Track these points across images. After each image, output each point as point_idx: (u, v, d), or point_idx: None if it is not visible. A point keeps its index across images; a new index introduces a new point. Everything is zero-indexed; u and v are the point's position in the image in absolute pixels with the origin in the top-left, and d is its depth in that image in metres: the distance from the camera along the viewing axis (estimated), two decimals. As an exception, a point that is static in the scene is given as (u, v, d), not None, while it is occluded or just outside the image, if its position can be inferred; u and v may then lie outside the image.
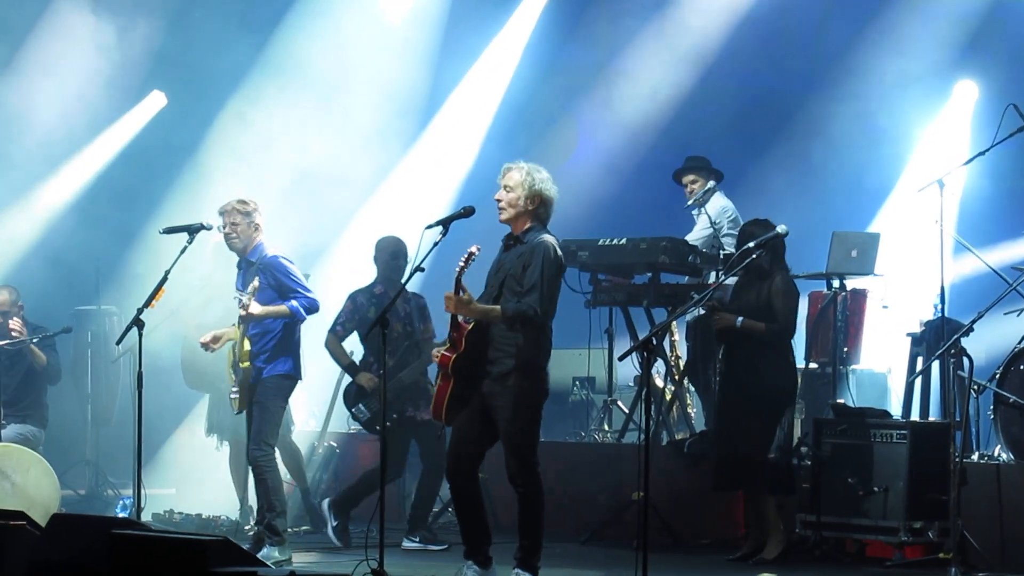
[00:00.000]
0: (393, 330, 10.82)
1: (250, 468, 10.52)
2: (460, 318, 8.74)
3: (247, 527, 12.05)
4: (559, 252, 8.75)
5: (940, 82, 15.61)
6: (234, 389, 10.38)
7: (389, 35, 15.19)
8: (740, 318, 10.33)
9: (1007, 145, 10.20)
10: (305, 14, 15.05)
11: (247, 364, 10.27)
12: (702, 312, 11.10)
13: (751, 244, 9.86)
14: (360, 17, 15.07)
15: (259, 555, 9.95)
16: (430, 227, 8.77)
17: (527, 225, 8.80)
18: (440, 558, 10.46)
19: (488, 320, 8.68)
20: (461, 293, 8.57)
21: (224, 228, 10.43)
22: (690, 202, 12.46)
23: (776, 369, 10.40)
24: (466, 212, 8.86)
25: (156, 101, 15.45)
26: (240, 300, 10.26)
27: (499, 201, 8.82)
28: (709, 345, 11.45)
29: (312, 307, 10.38)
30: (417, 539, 11.18)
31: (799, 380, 11.22)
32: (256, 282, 10.20)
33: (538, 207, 8.80)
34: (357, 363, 11.33)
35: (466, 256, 8.55)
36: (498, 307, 8.65)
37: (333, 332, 11.32)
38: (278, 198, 13.86)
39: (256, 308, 10.17)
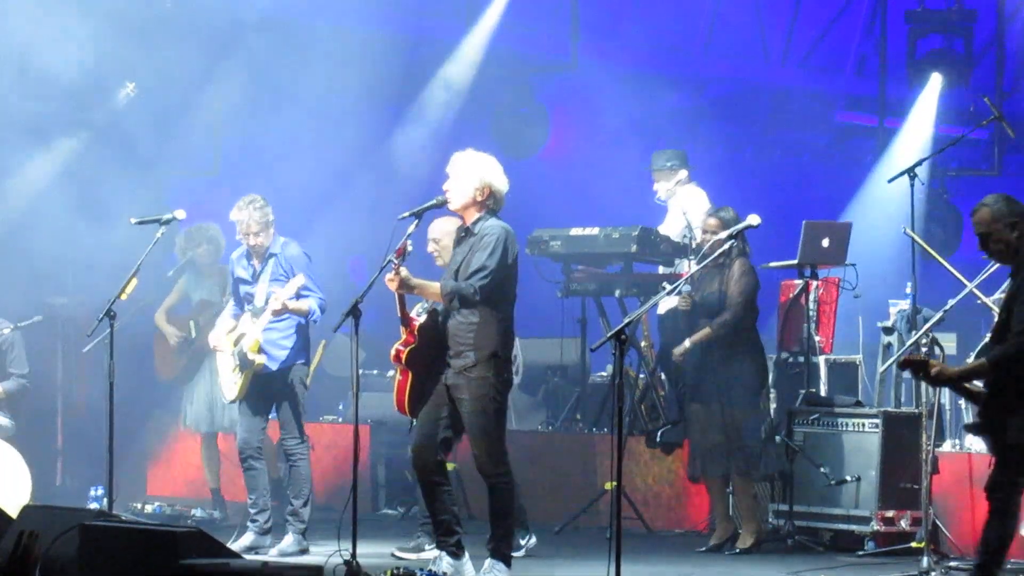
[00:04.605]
0: None
1: (287, 457, 10.43)
2: (412, 313, 8.73)
3: (220, 517, 12.01)
4: (510, 238, 8.68)
5: (911, 73, 15.65)
6: (236, 378, 10.33)
7: (363, 21, 15.03)
8: (687, 342, 10.55)
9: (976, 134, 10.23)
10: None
11: (261, 358, 10.22)
12: (675, 304, 11.10)
13: (723, 235, 9.82)
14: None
15: (283, 544, 10.13)
16: (403, 218, 8.74)
17: (477, 215, 8.74)
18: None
19: (426, 295, 8.78)
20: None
21: (243, 235, 10.31)
22: (657, 199, 12.43)
23: (746, 358, 10.45)
24: (439, 203, 8.81)
25: (127, 91, 15.31)
26: (272, 293, 10.13)
27: (447, 191, 8.78)
28: (681, 335, 11.46)
29: (324, 309, 10.30)
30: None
31: (770, 368, 11.28)
32: (301, 278, 10.08)
33: (487, 198, 8.72)
34: None
35: (398, 251, 8.51)
36: (437, 283, 8.65)
37: None
38: (247, 185, 13.79)
39: (291, 304, 10.09)
